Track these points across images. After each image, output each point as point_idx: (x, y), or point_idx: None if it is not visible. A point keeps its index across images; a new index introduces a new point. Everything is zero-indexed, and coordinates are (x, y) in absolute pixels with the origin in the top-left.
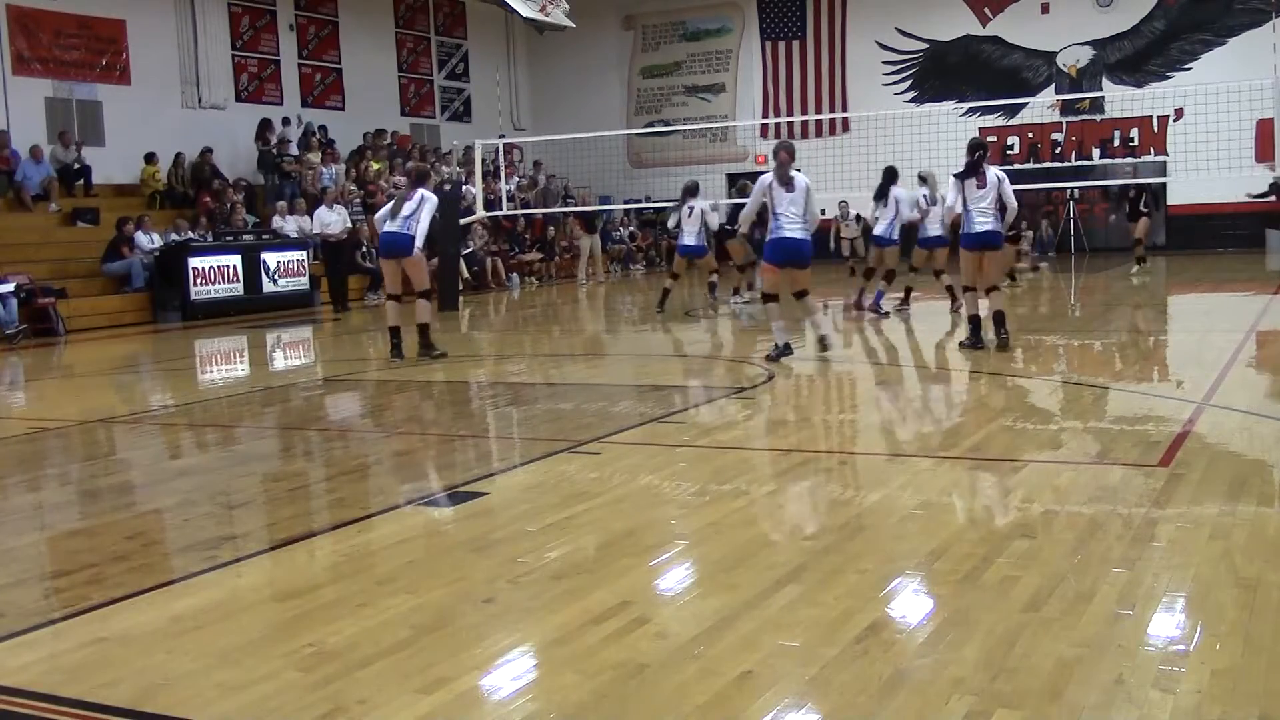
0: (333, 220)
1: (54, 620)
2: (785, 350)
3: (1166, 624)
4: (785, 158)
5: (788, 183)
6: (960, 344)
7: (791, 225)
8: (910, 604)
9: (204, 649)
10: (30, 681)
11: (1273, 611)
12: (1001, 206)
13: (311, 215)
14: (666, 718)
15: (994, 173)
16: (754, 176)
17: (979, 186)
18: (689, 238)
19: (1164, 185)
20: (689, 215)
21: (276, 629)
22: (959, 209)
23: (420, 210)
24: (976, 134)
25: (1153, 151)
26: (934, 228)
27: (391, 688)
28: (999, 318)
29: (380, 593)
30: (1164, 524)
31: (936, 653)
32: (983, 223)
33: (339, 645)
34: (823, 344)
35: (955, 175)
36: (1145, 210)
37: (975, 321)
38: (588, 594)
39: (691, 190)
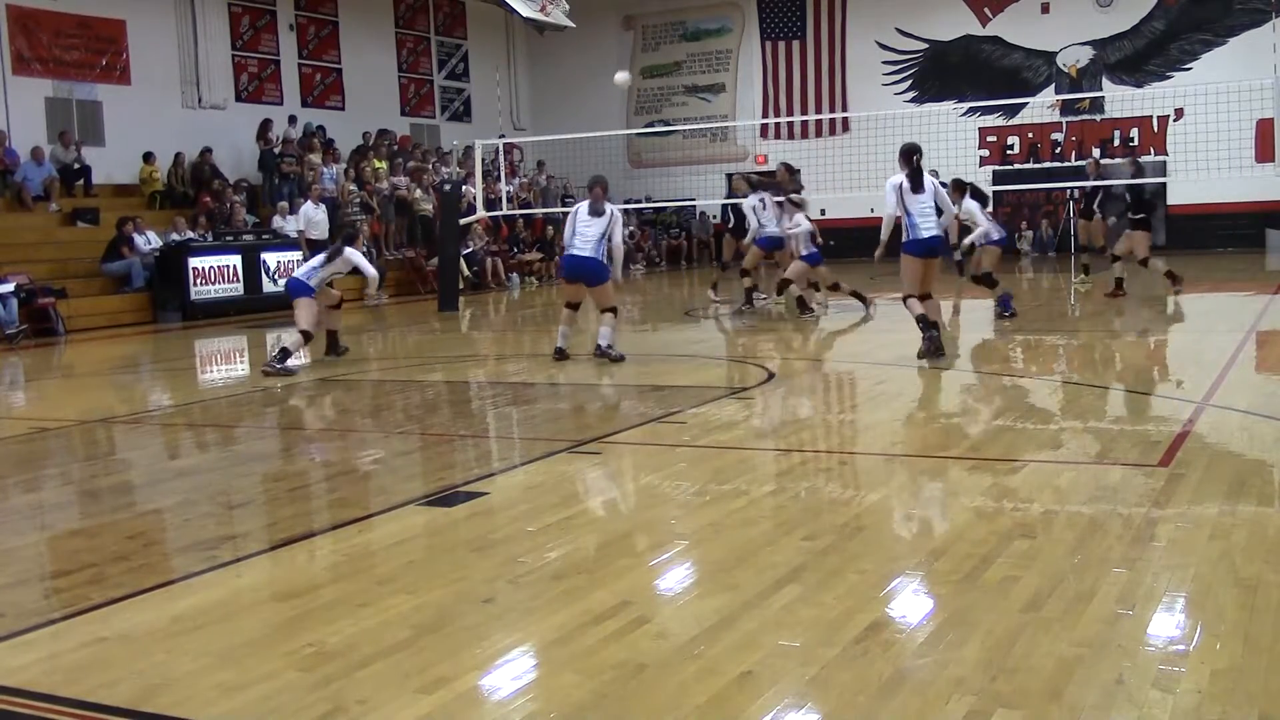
0: (320, 219)
1: (54, 620)
2: (560, 354)
3: (1166, 624)
4: (599, 192)
5: (598, 213)
6: (920, 353)
7: (582, 245)
8: (910, 604)
9: (204, 649)
10: (30, 681)
11: (1273, 611)
12: (939, 212)
13: (297, 213)
14: (666, 718)
15: (929, 180)
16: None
17: (917, 192)
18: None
19: (1164, 185)
20: (763, 209)
21: (276, 629)
22: (898, 213)
23: (330, 265)
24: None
25: (1153, 151)
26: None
27: (391, 688)
28: (933, 323)
29: (380, 593)
30: (1164, 524)
31: (936, 653)
32: (928, 229)
33: (339, 645)
34: (603, 353)
35: (896, 184)
36: (1098, 211)
37: (926, 323)
38: (588, 594)
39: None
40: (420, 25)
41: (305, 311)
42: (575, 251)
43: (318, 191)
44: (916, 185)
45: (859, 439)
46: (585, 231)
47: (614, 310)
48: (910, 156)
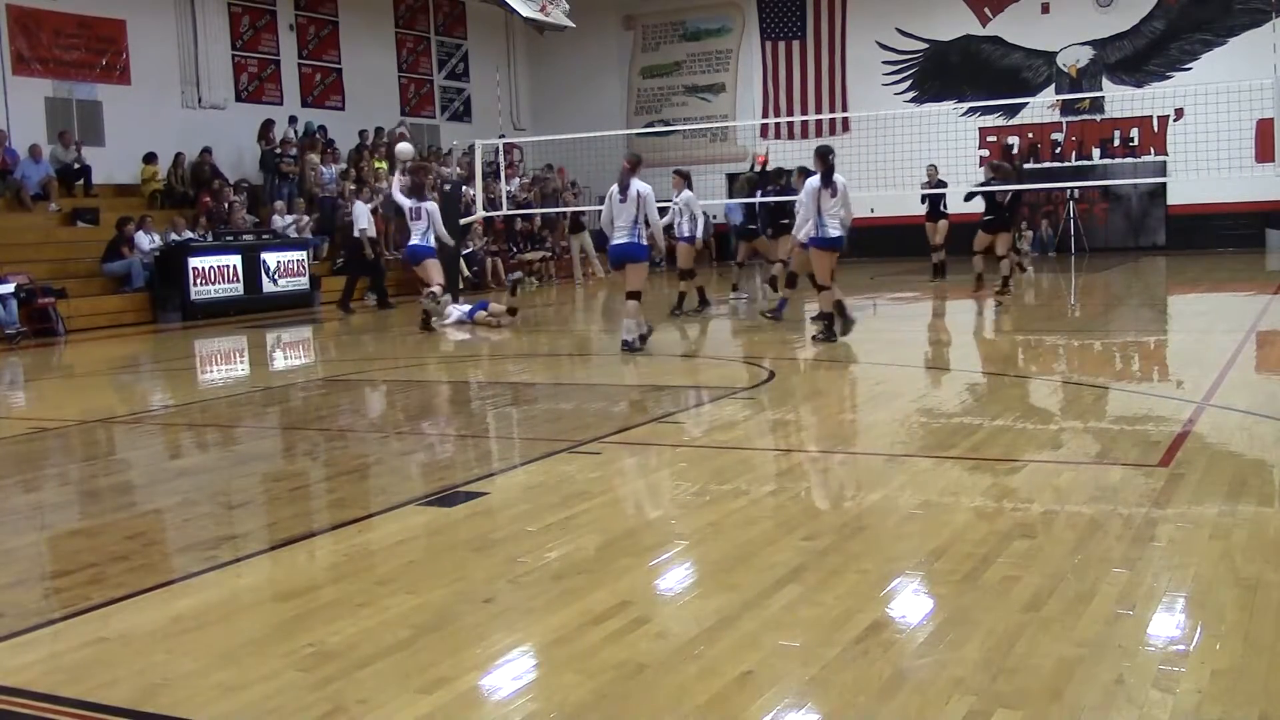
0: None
1: (54, 620)
2: (628, 346)
3: (1166, 624)
4: (626, 166)
5: (624, 190)
6: (814, 337)
7: (619, 233)
8: (910, 604)
9: (204, 649)
10: (30, 681)
11: (1273, 611)
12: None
13: (353, 211)
14: (666, 718)
15: (840, 180)
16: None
17: (832, 195)
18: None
19: (1164, 185)
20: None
21: (276, 629)
22: (812, 214)
23: (431, 219)
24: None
25: (1153, 151)
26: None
27: (391, 688)
28: (828, 314)
29: (380, 593)
30: (1164, 524)
31: (936, 653)
32: (834, 229)
33: (339, 645)
34: (630, 347)
35: (816, 185)
36: (945, 212)
37: (840, 308)
38: (588, 594)
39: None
40: (420, 25)
41: (435, 271)
42: (615, 240)
43: (366, 193)
44: (828, 184)
45: (859, 439)
46: (619, 220)
47: (638, 296)
48: (825, 156)
